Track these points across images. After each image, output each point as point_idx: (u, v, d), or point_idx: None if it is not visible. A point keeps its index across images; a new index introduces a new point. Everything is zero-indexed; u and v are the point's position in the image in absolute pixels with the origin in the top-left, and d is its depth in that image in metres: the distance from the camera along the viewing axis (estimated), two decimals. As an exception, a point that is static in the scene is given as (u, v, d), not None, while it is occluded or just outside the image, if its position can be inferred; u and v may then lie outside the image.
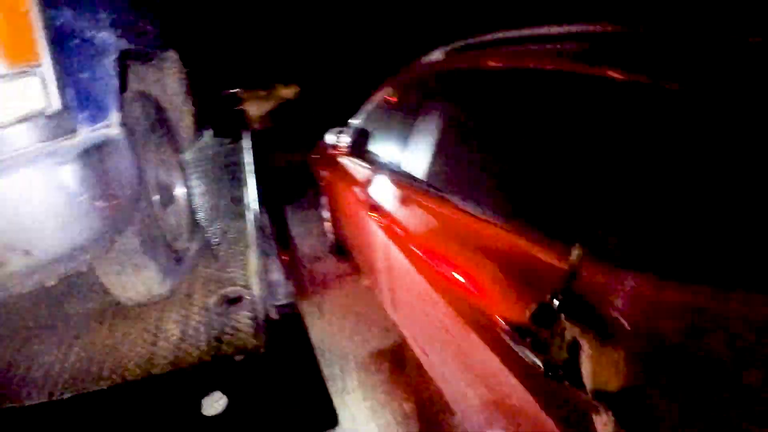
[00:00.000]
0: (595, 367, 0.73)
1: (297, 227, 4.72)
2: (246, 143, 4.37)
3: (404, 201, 1.98)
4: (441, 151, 1.79)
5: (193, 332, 1.92)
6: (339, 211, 3.30)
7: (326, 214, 3.85)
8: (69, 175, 1.33)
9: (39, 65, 1.27)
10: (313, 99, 7.39)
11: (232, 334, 1.86)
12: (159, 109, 2.38)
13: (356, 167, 2.81)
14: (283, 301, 2.44)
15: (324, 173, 3.68)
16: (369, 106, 3.06)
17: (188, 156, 3.24)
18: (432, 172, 1.80)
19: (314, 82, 7.81)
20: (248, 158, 4.02)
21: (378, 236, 2.12)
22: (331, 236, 3.89)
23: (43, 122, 1.30)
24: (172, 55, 2.62)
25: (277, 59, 8.22)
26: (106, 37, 1.62)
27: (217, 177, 3.78)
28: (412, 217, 1.86)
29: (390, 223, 1.98)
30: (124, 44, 1.76)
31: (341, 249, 3.68)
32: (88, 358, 1.85)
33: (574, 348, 0.77)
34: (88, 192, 1.38)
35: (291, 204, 5.11)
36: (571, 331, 0.77)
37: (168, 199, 2.31)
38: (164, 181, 2.30)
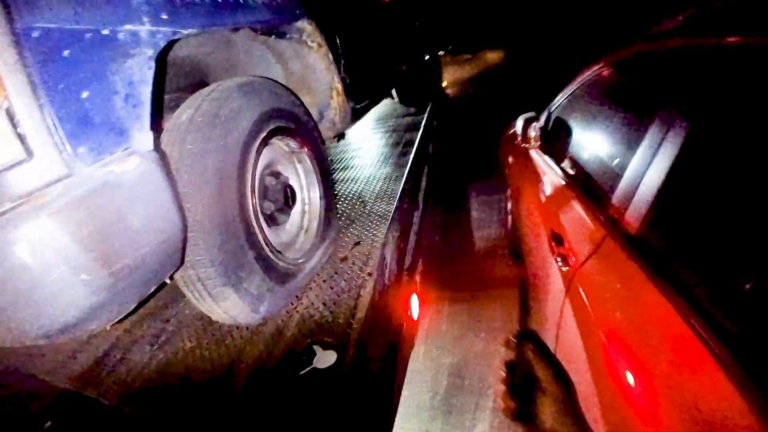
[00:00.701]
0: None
1: (478, 211, 4.15)
2: (429, 113, 3.94)
3: (607, 246, 1.37)
4: (688, 175, 1.15)
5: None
6: (521, 213, 2.75)
7: (510, 207, 3.30)
8: (56, 233, 0.99)
9: (3, 97, 0.93)
10: (520, 68, 6.56)
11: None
12: (288, 97, 1.99)
13: (547, 169, 2.26)
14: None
15: (511, 162, 3.16)
16: (572, 92, 2.37)
17: (339, 140, 2.80)
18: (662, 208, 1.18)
19: (522, 49, 6.91)
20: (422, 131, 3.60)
21: (555, 277, 1.65)
22: (510, 234, 3.35)
23: (17, 173, 0.96)
24: (309, 26, 2.12)
25: (484, 21, 7.48)
26: (135, 27, 1.18)
27: (384, 158, 3.39)
28: (616, 273, 1.28)
29: (576, 270, 1.47)
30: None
31: (517, 253, 3.09)
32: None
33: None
34: (87, 252, 1.04)
35: (477, 182, 4.50)
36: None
37: (282, 210, 1.90)
38: (279, 188, 1.88)
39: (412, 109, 4.82)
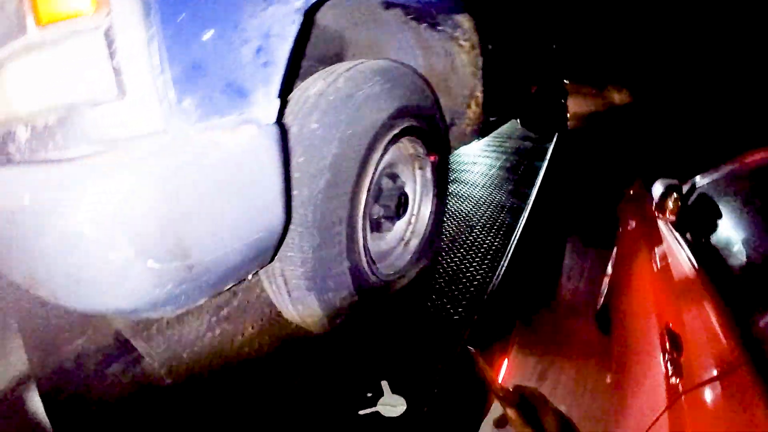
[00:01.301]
0: None
1: (572, 259, 3.74)
2: (555, 144, 3.59)
3: (742, 377, 1.14)
4: None
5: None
6: (625, 281, 2.38)
7: (610, 270, 2.94)
8: (129, 202, 0.79)
9: (105, 15, 0.72)
10: (647, 113, 5.90)
11: None
12: (430, 97, 1.74)
13: (676, 249, 1.93)
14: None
15: (629, 225, 2.81)
16: (733, 173, 2.07)
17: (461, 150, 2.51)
18: None
19: (653, 92, 6.21)
20: (546, 163, 3.26)
21: (656, 382, 1.40)
22: (602, 299, 2.96)
23: (101, 113, 0.76)
24: (466, 19, 1.84)
25: (613, 54, 6.81)
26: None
27: (498, 182, 3.07)
28: (744, 415, 1.06)
29: (689, 390, 1.22)
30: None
31: (606, 320, 2.70)
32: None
33: None
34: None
35: (579, 228, 4.08)
36: None
37: (390, 218, 1.65)
38: (394, 193, 1.63)
39: (532, 134, 4.45)
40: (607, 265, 3.02)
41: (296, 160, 1.22)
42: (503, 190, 3.07)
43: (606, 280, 2.95)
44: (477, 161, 3.65)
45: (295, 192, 1.22)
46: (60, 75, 0.76)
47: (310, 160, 1.23)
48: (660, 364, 1.42)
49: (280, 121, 1.02)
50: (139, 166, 0.78)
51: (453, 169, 3.43)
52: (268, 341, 1.67)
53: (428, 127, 1.73)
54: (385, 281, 1.68)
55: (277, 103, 0.97)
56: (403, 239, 1.87)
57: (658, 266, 1.98)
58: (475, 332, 1.75)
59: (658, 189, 2.30)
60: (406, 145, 1.76)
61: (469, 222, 2.53)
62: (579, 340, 2.91)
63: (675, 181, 2.31)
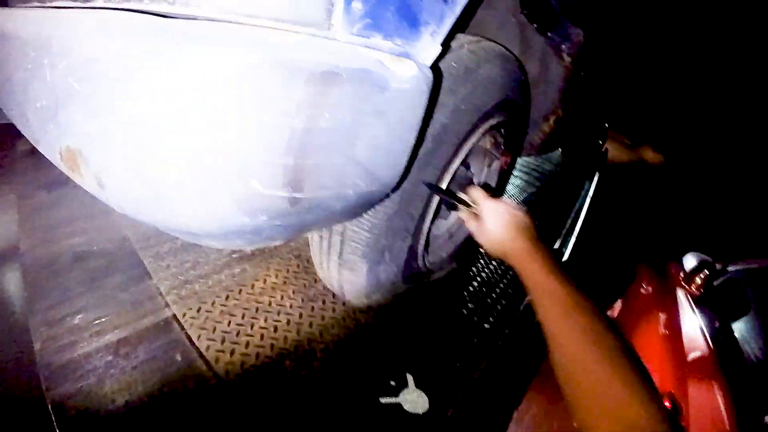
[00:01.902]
0: None
1: None
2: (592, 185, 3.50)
3: None
4: None
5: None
6: (627, 336, 2.24)
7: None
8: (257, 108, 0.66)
9: None
10: (678, 185, 5.83)
11: None
12: (527, 98, 1.67)
13: (693, 326, 1.92)
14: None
15: (643, 288, 2.71)
16: None
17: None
18: None
19: (690, 162, 6.15)
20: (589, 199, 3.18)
21: None
22: None
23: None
24: (577, 35, 1.74)
25: (662, 112, 6.71)
26: None
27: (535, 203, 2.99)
28: None
29: None
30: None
31: None
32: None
33: None
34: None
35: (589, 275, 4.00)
36: None
37: (452, 206, 1.54)
38: (464, 182, 1.53)
39: (569, 164, 4.36)
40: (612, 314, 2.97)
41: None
42: (540, 214, 2.99)
43: None
44: (516, 176, 3.57)
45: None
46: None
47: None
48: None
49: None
50: (272, 58, 0.64)
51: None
52: (291, 295, 1.56)
53: (515, 126, 1.64)
54: (428, 270, 1.59)
55: (438, 48, 0.85)
56: (450, 233, 1.77)
57: (668, 332, 1.95)
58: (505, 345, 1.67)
59: (690, 262, 2.32)
60: (487, 137, 1.66)
61: None
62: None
63: (709, 259, 2.32)
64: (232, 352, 1.32)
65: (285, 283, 1.61)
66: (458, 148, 1.25)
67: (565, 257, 2.36)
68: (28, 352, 1.31)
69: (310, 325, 1.46)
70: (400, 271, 1.38)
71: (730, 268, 2.30)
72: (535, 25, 1.76)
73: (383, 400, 1.25)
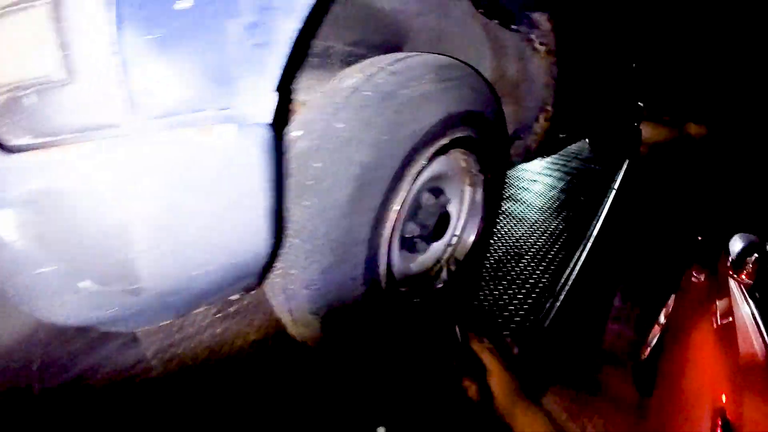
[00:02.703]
0: None
1: (623, 300, 3.36)
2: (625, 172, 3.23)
3: None
4: None
5: None
6: (679, 340, 2.00)
7: (662, 319, 2.56)
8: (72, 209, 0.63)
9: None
10: (724, 153, 5.27)
11: None
12: (494, 105, 1.49)
13: (747, 320, 1.62)
14: None
15: (695, 279, 2.41)
16: None
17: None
18: None
19: (734, 132, 5.54)
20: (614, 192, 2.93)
21: None
22: (647, 351, 2.54)
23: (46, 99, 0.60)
24: (544, 20, 1.57)
25: (700, 84, 6.12)
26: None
27: (550, 205, 2.77)
28: None
29: None
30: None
31: (646, 378, 2.28)
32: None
33: None
34: None
35: (636, 268, 3.67)
36: None
37: (425, 239, 1.42)
38: (434, 211, 1.41)
39: (598, 157, 4.07)
40: (659, 314, 2.66)
41: (313, 164, 1.02)
42: (561, 218, 2.76)
43: (656, 330, 2.58)
44: (537, 179, 3.35)
45: (306, 203, 1.02)
46: (5, 51, 0.60)
47: (331, 166, 1.02)
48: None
49: (283, 119, 0.81)
50: (83, 167, 0.60)
51: (508, 186, 3.15)
52: (269, 350, 1.51)
53: (486, 139, 1.49)
54: (409, 306, 1.47)
55: (272, 97, 0.75)
56: (439, 262, 1.64)
57: (722, 334, 1.67)
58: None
59: (737, 244, 1.98)
60: (458, 157, 1.53)
61: (517, 250, 2.25)
62: (610, 392, 2.57)
63: (756, 239, 1.99)
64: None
65: (264, 338, 1.56)
66: (396, 182, 1.13)
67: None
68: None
69: (286, 375, 1.40)
70: (365, 316, 1.28)
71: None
72: (496, 21, 1.61)
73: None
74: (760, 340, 1.47)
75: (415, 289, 1.50)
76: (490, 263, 2.08)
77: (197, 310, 1.02)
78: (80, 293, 0.64)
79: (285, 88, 0.79)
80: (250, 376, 1.43)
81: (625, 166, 3.64)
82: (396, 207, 1.18)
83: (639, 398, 2.39)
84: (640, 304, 3.30)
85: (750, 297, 1.76)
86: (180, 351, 1.55)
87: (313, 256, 1.05)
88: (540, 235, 2.45)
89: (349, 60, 1.61)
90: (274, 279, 1.13)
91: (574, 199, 3.05)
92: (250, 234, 0.83)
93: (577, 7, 1.94)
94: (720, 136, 5.69)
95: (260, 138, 0.76)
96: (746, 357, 1.46)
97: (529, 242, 2.36)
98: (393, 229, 1.21)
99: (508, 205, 2.81)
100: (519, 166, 3.63)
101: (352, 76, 1.12)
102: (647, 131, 5.04)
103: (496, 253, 2.22)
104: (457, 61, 1.33)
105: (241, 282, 0.95)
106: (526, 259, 2.17)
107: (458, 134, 1.32)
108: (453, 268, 1.64)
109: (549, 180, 3.36)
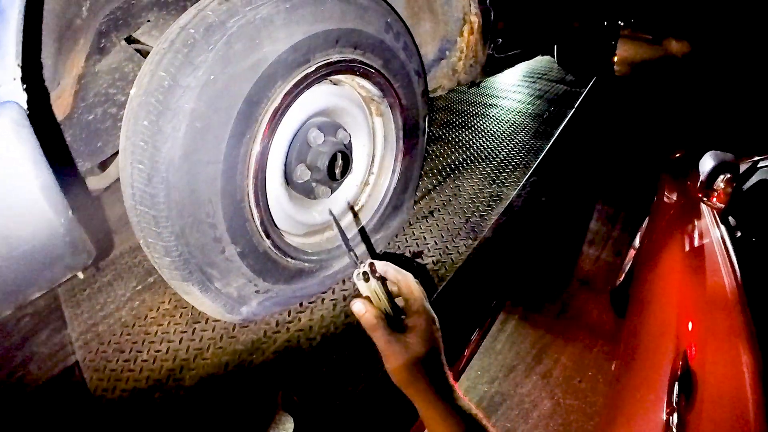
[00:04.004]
0: None
1: (598, 223, 3.26)
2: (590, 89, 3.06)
3: None
4: None
5: None
6: (651, 266, 1.87)
7: (637, 243, 2.45)
8: None
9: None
10: (708, 70, 4.94)
11: None
12: (379, 16, 1.29)
13: (718, 248, 1.49)
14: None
15: (666, 200, 2.27)
16: None
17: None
18: None
19: (717, 45, 5.16)
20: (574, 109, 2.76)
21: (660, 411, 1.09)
22: (622, 275, 2.47)
23: None
24: None
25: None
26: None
27: (512, 125, 2.63)
28: None
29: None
30: None
31: (621, 301, 2.23)
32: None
33: None
34: None
35: (611, 190, 3.55)
36: None
37: (323, 182, 1.30)
38: (326, 150, 1.28)
39: (570, 77, 3.84)
40: (635, 237, 2.54)
41: (143, 122, 0.89)
42: (524, 134, 2.61)
43: (631, 254, 2.47)
44: (499, 98, 3.16)
45: (139, 166, 0.90)
46: None
47: (154, 123, 0.89)
48: (664, 404, 1.07)
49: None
50: None
51: (469, 101, 2.98)
52: (177, 319, 1.45)
53: (382, 60, 1.31)
54: (318, 259, 1.36)
55: (12, 72, 0.65)
56: (356, 204, 1.52)
57: (691, 264, 1.54)
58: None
59: (707, 164, 1.78)
60: (353, 86, 1.36)
61: (464, 160, 2.14)
62: (588, 318, 2.50)
63: (730, 157, 1.78)
64: (113, 390, 1.26)
65: (176, 307, 1.48)
66: (242, 127, 0.99)
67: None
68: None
69: (187, 350, 1.32)
70: (254, 280, 1.18)
71: (763, 165, 1.79)
72: None
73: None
74: (731, 276, 1.34)
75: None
76: (426, 199, 1.96)
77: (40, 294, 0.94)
78: None
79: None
80: (156, 348, 1.38)
81: (590, 84, 3.41)
82: (256, 151, 1.05)
83: (615, 320, 2.32)
84: (619, 226, 3.19)
85: (721, 222, 1.61)
86: (99, 330, 1.51)
87: (161, 223, 0.95)
88: (489, 163, 2.31)
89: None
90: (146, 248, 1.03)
91: (534, 121, 2.88)
92: (35, 214, 0.77)
93: None
94: (704, 51, 5.36)
95: (8, 116, 0.68)
96: (714, 295, 1.34)
97: (481, 155, 2.26)
98: (257, 178, 1.08)
99: (461, 119, 2.67)
100: (489, 81, 3.43)
101: (187, 13, 0.96)
102: (626, 50, 4.79)
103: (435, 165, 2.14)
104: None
105: (63, 260, 0.86)
106: (468, 191, 2.04)
107: (333, 58, 1.15)
108: (371, 207, 1.52)
109: (511, 100, 3.17)
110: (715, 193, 1.72)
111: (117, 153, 1.30)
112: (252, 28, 0.95)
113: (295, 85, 1.08)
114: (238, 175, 1.02)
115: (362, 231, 1.48)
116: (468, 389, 2.04)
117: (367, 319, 0.64)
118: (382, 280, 0.68)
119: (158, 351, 1.36)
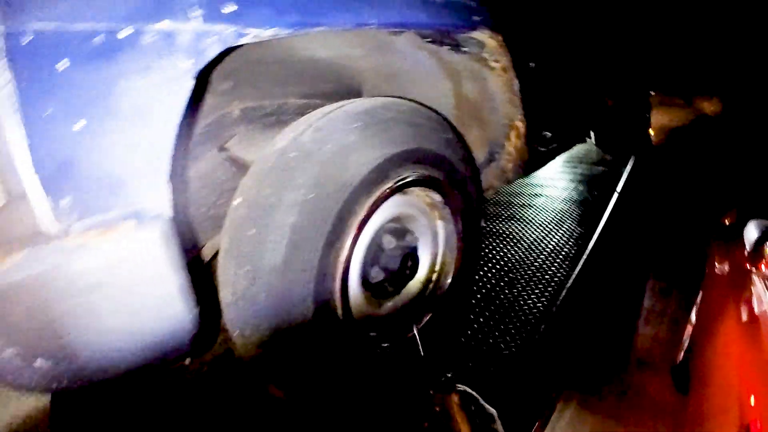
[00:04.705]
0: None
1: (652, 300, 3.18)
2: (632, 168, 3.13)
3: None
4: None
5: None
6: (708, 340, 1.83)
7: (693, 318, 2.32)
8: None
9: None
10: (742, 123, 4.97)
11: None
12: (441, 134, 1.46)
13: None
14: None
15: (719, 269, 2.20)
16: None
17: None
18: None
19: (745, 100, 5.21)
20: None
21: None
22: (681, 352, 2.33)
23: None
24: (489, 40, 1.54)
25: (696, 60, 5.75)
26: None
27: (555, 219, 2.71)
28: None
29: None
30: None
31: (683, 378, 2.07)
32: None
33: None
34: None
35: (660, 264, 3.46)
36: None
37: (394, 281, 1.41)
38: (397, 253, 1.41)
39: (608, 157, 3.92)
40: (691, 311, 2.49)
41: (245, 233, 1.03)
42: (565, 230, 2.69)
43: (689, 329, 2.41)
44: (542, 193, 3.27)
45: (246, 268, 1.03)
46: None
47: (261, 232, 1.02)
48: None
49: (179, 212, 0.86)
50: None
51: (511, 202, 3.09)
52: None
53: (443, 172, 1.46)
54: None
55: (166, 189, 0.81)
56: (419, 301, 1.60)
57: (748, 335, 1.53)
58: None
59: (751, 232, 1.80)
60: (420, 195, 1.50)
61: (512, 280, 2.19)
62: (650, 398, 2.41)
63: None
64: None
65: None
66: (334, 236, 1.12)
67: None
68: None
69: None
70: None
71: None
72: (447, 47, 1.59)
73: None
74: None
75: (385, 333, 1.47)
76: (482, 293, 2.02)
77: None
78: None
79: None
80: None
81: (631, 163, 3.49)
82: (343, 257, 1.16)
83: (679, 399, 2.24)
84: (674, 301, 3.12)
85: (773, 289, 1.62)
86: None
87: (261, 313, 1.06)
88: (540, 253, 2.38)
89: (306, 112, 1.62)
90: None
91: (579, 206, 2.96)
92: (169, 310, 0.88)
93: (524, 17, 1.89)
94: (736, 109, 5.40)
95: (159, 228, 0.82)
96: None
97: (527, 263, 2.31)
98: (342, 281, 1.19)
99: (505, 226, 2.76)
100: (519, 181, 3.55)
101: (284, 137, 1.13)
102: (661, 118, 4.84)
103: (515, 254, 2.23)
104: (393, 100, 1.32)
105: (173, 350, 0.97)
106: (522, 282, 2.10)
107: (405, 175, 1.30)
108: (437, 305, 1.60)
109: (553, 191, 3.28)
110: (764, 263, 1.72)
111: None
112: (340, 153, 1.11)
113: (376, 200, 1.22)
114: (327, 278, 1.14)
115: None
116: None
117: None
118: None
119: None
